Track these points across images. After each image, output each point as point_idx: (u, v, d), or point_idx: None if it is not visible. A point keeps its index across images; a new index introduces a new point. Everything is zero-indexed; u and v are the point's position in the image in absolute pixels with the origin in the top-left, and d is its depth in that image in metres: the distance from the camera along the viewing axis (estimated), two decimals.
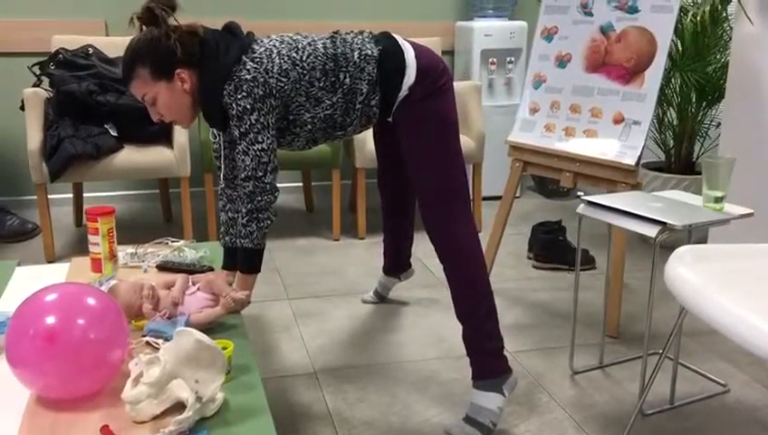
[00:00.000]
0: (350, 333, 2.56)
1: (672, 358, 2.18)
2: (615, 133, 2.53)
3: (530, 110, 2.84)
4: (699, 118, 3.44)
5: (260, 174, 1.80)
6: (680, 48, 3.32)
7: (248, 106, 1.76)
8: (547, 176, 2.78)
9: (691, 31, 3.28)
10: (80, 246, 3.39)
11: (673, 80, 3.36)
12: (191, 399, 1.31)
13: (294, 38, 1.88)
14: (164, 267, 2.15)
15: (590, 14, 2.67)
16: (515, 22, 4.17)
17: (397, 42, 1.95)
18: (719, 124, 3.33)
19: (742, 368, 2.34)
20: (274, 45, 1.83)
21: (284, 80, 1.81)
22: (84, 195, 3.79)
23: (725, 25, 3.28)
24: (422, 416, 2.05)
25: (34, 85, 3.23)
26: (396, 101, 1.93)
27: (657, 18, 2.46)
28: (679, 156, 3.53)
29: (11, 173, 3.89)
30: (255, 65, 1.78)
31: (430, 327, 2.61)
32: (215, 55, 1.78)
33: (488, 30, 4.10)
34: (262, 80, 1.77)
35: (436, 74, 1.93)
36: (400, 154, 2.05)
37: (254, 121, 1.77)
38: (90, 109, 3.13)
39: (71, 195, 3.78)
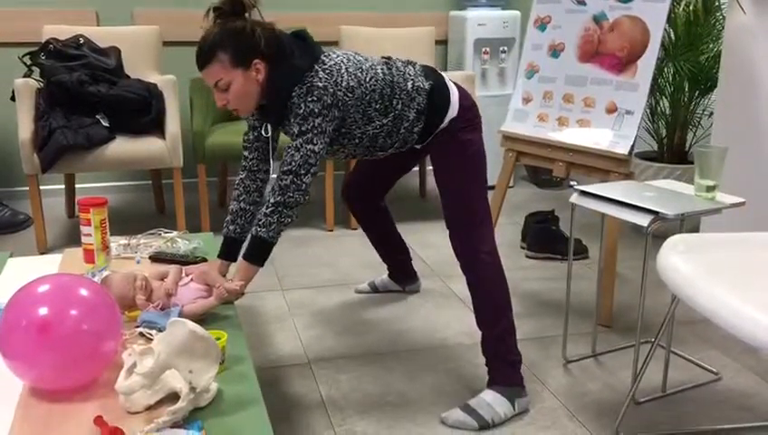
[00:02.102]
0: (344, 324, 2.57)
1: (664, 346, 2.19)
2: (608, 123, 2.53)
3: (523, 99, 2.84)
4: (692, 107, 3.45)
5: (302, 172, 1.87)
6: (673, 37, 3.32)
7: (315, 110, 1.85)
8: (540, 166, 2.79)
9: (684, 20, 3.28)
10: (72, 238, 3.38)
11: (666, 69, 3.37)
12: (185, 389, 1.31)
13: (358, 58, 1.98)
14: (157, 258, 2.15)
15: (584, 4, 2.67)
16: (509, 11, 4.17)
17: (443, 78, 2.09)
18: (712, 113, 3.34)
19: (733, 356, 2.36)
20: (342, 62, 1.93)
21: (350, 95, 1.91)
22: (76, 186, 3.77)
23: (718, 15, 3.28)
24: (416, 405, 2.06)
25: (25, 75, 3.21)
26: (435, 131, 2.06)
27: (650, 7, 2.46)
28: (672, 145, 3.54)
29: (2, 164, 3.87)
30: (327, 76, 1.87)
31: (424, 317, 2.62)
32: (288, 57, 1.87)
33: (481, 19, 4.10)
34: (331, 90, 1.86)
35: (473, 112, 2.09)
36: (389, 172, 2.31)
37: (316, 124, 1.86)
38: (81, 99, 3.11)
39: (63, 186, 3.76)
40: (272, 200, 1.87)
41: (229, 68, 1.84)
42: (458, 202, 2.05)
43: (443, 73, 2.12)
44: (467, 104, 2.08)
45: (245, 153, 2.08)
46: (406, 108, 2.00)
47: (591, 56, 2.63)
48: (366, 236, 2.68)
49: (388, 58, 2.08)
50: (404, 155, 2.21)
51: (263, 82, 1.88)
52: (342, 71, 1.90)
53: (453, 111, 2.05)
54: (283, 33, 1.92)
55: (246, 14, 1.87)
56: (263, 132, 2.03)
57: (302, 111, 1.86)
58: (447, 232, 2.10)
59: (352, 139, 2.00)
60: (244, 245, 1.96)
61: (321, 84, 1.85)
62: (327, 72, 1.87)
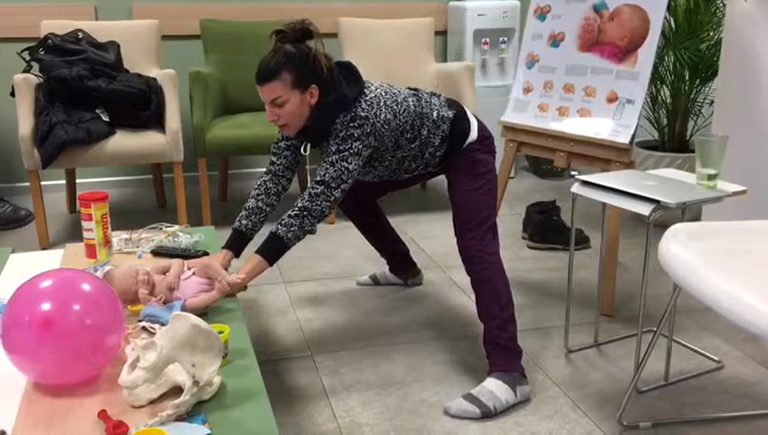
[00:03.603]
0: (346, 316, 2.57)
1: (666, 335, 2.20)
2: (609, 112, 2.53)
3: (523, 90, 2.83)
4: (692, 96, 3.44)
5: (333, 185, 1.98)
6: (673, 26, 3.31)
7: (356, 135, 1.99)
8: (541, 156, 2.78)
9: (684, 8, 3.27)
10: (74, 233, 3.38)
11: (666, 58, 3.36)
12: (188, 383, 1.32)
13: (393, 91, 2.13)
14: (159, 253, 2.15)
15: None
16: (508, 1, 4.15)
17: (464, 109, 2.25)
18: (712, 102, 3.33)
19: (735, 344, 2.36)
20: (381, 94, 2.07)
21: (386, 127, 2.05)
22: (77, 181, 3.77)
23: (718, 2, 3.27)
24: (419, 396, 2.06)
25: (24, 71, 3.21)
26: (455, 153, 2.21)
27: None
28: (673, 134, 3.53)
29: (3, 160, 3.87)
30: (368, 107, 2.02)
31: (426, 308, 2.62)
32: (338, 86, 2.02)
33: (481, 10, 4.08)
34: (372, 121, 2.01)
35: (489, 139, 2.25)
36: (392, 187, 2.49)
37: (354, 147, 1.99)
38: (81, 94, 3.11)
39: (63, 181, 3.76)
40: (299, 204, 1.98)
41: (289, 88, 1.96)
42: (470, 211, 2.14)
43: (463, 104, 2.29)
44: (485, 134, 2.23)
45: (273, 158, 2.19)
46: (432, 135, 2.15)
47: (592, 45, 2.62)
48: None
49: (416, 90, 2.22)
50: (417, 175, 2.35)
51: (313, 106, 2.00)
52: (381, 104, 2.04)
53: (472, 138, 2.20)
54: (335, 62, 2.07)
55: (312, 42, 2.00)
56: (302, 151, 2.13)
57: (342, 133, 1.99)
58: (449, 226, 2.14)
59: (383, 162, 2.14)
60: (249, 243, 2.03)
61: (363, 114, 1.99)
62: (368, 103, 2.02)
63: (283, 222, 1.95)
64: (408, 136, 2.12)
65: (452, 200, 2.20)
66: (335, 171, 1.98)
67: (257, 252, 1.94)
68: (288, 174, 2.19)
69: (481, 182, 2.16)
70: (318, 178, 1.99)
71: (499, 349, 2.05)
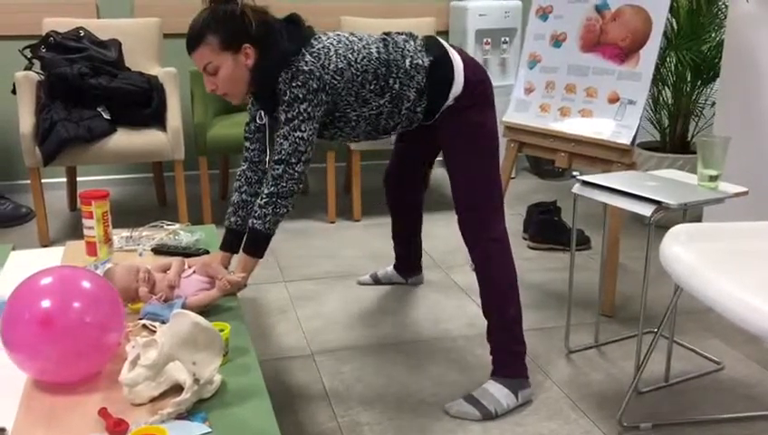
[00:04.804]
0: (347, 315, 2.57)
1: (667, 336, 2.19)
2: (610, 113, 2.52)
3: (525, 90, 2.83)
4: (694, 97, 3.44)
5: (293, 160, 1.84)
6: (675, 27, 3.30)
7: (300, 95, 1.82)
8: (542, 156, 2.78)
9: (686, 9, 3.27)
10: (74, 230, 3.38)
11: (668, 59, 3.35)
12: (189, 381, 1.32)
13: (350, 39, 1.94)
14: (159, 251, 2.15)
15: None
16: (510, 1, 4.15)
17: (447, 52, 2.00)
18: (714, 103, 3.32)
19: (736, 346, 2.36)
20: (332, 44, 1.89)
21: (338, 78, 1.86)
22: (78, 179, 3.77)
23: (720, 4, 3.27)
24: (419, 396, 2.06)
25: (26, 68, 3.20)
26: (441, 109, 1.99)
27: None
28: (674, 135, 3.53)
29: (3, 157, 3.87)
30: (313, 59, 1.83)
31: (427, 308, 2.62)
32: (277, 41, 1.84)
33: (483, 10, 4.08)
34: (318, 74, 1.83)
35: (483, 86, 2.00)
36: (418, 154, 2.17)
37: (302, 110, 1.82)
38: (82, 92, 3.10)
39: (64, 179, 3.76)
40: (266, 191, 1.85)
41: (218, 51, 1.82)
42: (468, 185, 2.00)
43: (448, 46, 2.03)
44: (475, 79, 1.99)
45: (247, 144, 2.05)
46: (405, 87, 1.94)
47: (593, 46, 2.62)
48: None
49: (387, 34, 2.02)
50: (421, 135, 2.15)
51: (252, 68, 1.86)
52: (331, 53, 1.86)
53: (457, 87, 1.97)
54: (275, 18, 1.90)
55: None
56: (257, 120, 2.01)
57: (287, 97, 1.83)
58: (450, 226, 2.09)
59: (348, 122, 1.96)
60: (244, 237, 1.93)
61: (306, 68, 1.81)
62: (314, 55, 1.84)
63: (256, 214, 1.85)
64: (373, 88, 1.91)
65: (449, 172, 2.04)
66: (290, 145, 1.83)
67: (243, 250, 1.88)
68: (265, 158, 2.03)
69: (479, 148, 1.98)
70: (276, 157, 1.85)
71: (502, 352, 2.02)
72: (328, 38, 1.91)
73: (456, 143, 2.01)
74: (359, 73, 1.89)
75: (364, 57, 1.91)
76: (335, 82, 1.86)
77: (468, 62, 2.01)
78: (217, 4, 1.83)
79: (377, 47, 1.94)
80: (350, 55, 1.89)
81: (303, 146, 1.84)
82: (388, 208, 2.64)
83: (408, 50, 1.96)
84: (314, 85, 1.82)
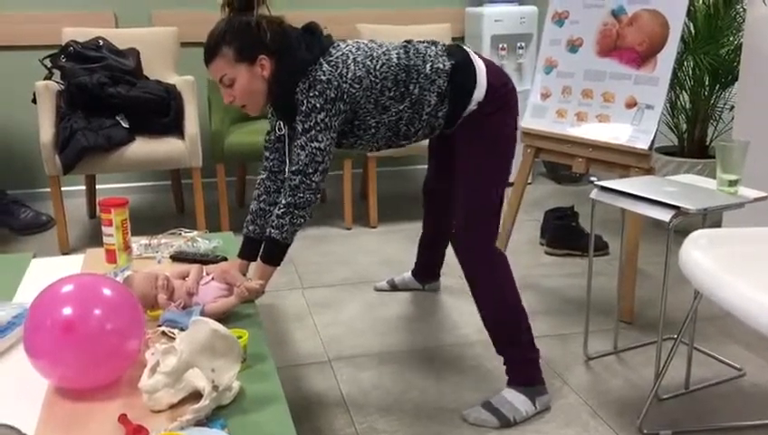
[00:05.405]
0: (364, 322, 2.57)
1: (687, 343, 2.17)
2: (628, 118, 2.51)
3: (541, 95, 2.82)
4: (712, 101, 3.41)
5: (310, 171, 1.82)
6: (693, 31, 3.28)
7: (318, 105, 1.80)
8: (559, 162, 2.77)
9: (704, 13, 3.25)
10: (94, 238, 3.41)
11: (686, 63, 3.33)
12: (207, 387, 1.32)
13: (370, 46, 1.92)
14: (178, 258, 2.16)
15: None
16: (526, 7, 4.15)
17: (469, 56, 1.97)
18: (732, 107, 3.30)
19: (757, 352, 2.33)
20: (350, 51, 1.88)
21: (357, 86, 1.85)
22: (97, 186, 3.81)
23: (738, 7, 3.24)
24: (437, 403, 2.05)
25: (46, 78, 3.24)
26: (463, 114, 1.96)
27: (670, 1, 2.44)
28: (692, 140, 3.50)
29: (24, 166, 3.91)
30: (331, 68, 1.82)
31: (444, 314, 2.62)
32: (294, 51, 1.83)
33: (498, 15, 4.08)
34: (335, 83, 1.81)
35: (505, 91, 1.97)
36: (450, 167, 2.09)
37: (319, 120, 1.81)
38: (101, 101, 3.14)
39: (84, 187, 3.80)
40: (283, 201, 1.85)
41: (233, 63, 1.82)
42: (474, 193, 1.97)
43: (471, 52, 2.00)
44: (497, 84, 1.96)
45: (266, 154, 2.05)
46: (425, 92, 1.91)
47: (610, 51, 2.61)
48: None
49: (409, 41, 2.00)
50: (447, 140, 2.07)
51: (269, 79, 1.85)
52: (349, 61, 1.85)
53: (480, 91, 1.94)
54: (292, 27, 1.89)
55: (261, 8, 1.85)
56: (276, 130, 2.01)
57: (304, 106, 1.81)
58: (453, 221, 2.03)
59: (368, 129, 1.94)
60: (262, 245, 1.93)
61: (324, 78, 1.80)
62: (332, 64, 1.83)
63: (273, 223, 1.85)
64: (393, 94, 1.89)
65: (458, 175, 2.00)
66: (306, 155, 1.81)
67: (261, 259, 1.89)
68: (284, 168, 2.01)
69: (492, 157, 1.95)
70: (293, 168, 1.83)
71: (515, 363, 2.01)
72: (347, 46, 1.90)
73: (473, 145, 1.98)
74: (378, 81, 1.88)
75: (383, 64, 1.89)
76: (353, 91, 1.85)
77: (491, 67, 1.99)
78: (233, 15, 1.84)
79: (397, 53, 1.92)
80: (368, 63, 1.87)
81: (320, 156, 1.83)
82: (423, 214, 2.64)
83: (430, 55, 1.94)
84: (332, 94, 1.81)
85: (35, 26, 3.76)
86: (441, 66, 1.92)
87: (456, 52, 1.98)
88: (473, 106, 1.95)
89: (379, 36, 3.89)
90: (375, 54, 1.89)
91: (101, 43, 3.37)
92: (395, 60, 1.90)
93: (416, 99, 1.91)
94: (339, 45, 1.90)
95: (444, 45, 2.00)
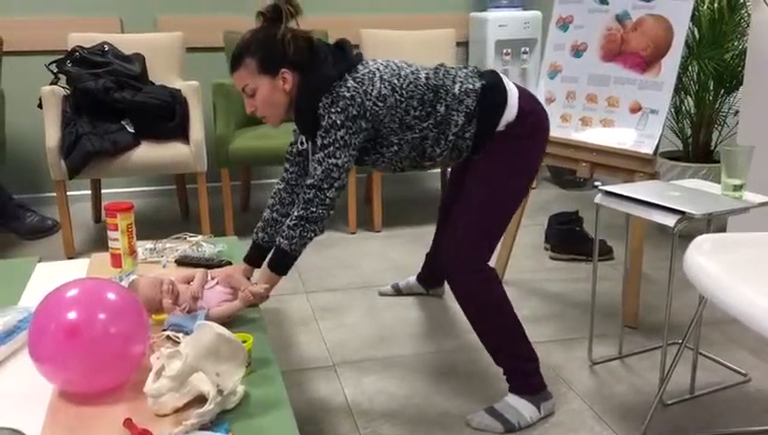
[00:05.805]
0: (369, 326, 2.57)
1: (692, 348, 2.17)
2: (632, 122, 2.51)
3: (545, 100, 2.82)
4: (717, 106, 3.41)
5: (325, 186, 1.82)
6: (697, 35, 3.29)
7: (339, 121, 1.79)
8: (564, 166, 2.77)
9: (708, 18, 3.25)
10: (99, 242, 3.42)
11: (690, 68, 3.33)
12: (212, 392, 1.32)
13: (399, 65, 1.91)
14: (183, 262, 2.17)
15: (606, 3, 2.65)
16: (530, 12, 4.15)
17: (500, 78, 1.95)
18: (737, 112, 3.30)
19: (762, 357, 2.33)
20: (378, 69, 1.86)
21: (380, 104, 1.83)
22: (102, 191, 3.82)
23: (743, 12, 3.24)
24: (442, 408, 2.05)
25: (52, 83, 3.26)
26: (491, 134, 1.91)
27: (674, 6, 2.44)
28: (697, 144, 3.50)
29: (30, 170, 3.93)
30: (356, 85, 1.81)
31: (449, 319, 2.61)
32: (319, 66, 1.83)
33: (502, 20, 4.09)
34: (359, 100, 1.80)
35: (536, 117, 1.94)
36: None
37: (338, 137, 1.80)
38: (107, 106, 3.15)
39: (89, 191, 3.81)
40: (295, 213, 1.85)
41: (256, 74, 1.83)
42: (482, 212, 1.92)
43: (504, 76, 1.98)
44: (528, 109, 1.92)
45: (287, 165, 2.06)
46: (452, 111, 1.88)
47: (614, 55, 2.61)
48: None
49: (441, 64, 1.98)
50: (468, 168, 1.99)
51: (291, 92, 1.85)
52: (375, 78, 1.83)
53: (510, 113, 1.90)
54: (321, 42, 1.89)
55: (291, 22, 1.84)
56: (298, 144, 2.01)
57: (325, 122, 1.80)
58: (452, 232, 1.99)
59: (390, 146, 1.91)
60: (268, 254, 1.94)
61: (347, 94, 1.79)
62: (358, 80, 1.82)
63: (284, 234, 1.85)
64: (418, 114, 1.86)
65: (468, 191, 1.94)
66: (323, 171, 1.81)
67: (268, 266, 1.89)
68: (303, 181, 2.03)
69: (513, 180, 1.91)
70: (309, 181, 1.83)
71: (515, 373, 1.99)
72: (375, 63, 1.89)
73: (495, 162, 1.92)
74: (403, 99, 1.86)
75: (411, 82, 1.87)
76: (377, 109, 1.83)
77: (523, 92, 1.97)
78: (262, 26, 1.84)
79: (426, 73, 1.91)
80: (395, 81, 1.85)
81: (337, 172, 1.82)
82: (435, 230, 2.63)
83: (460, 76, 1.92)
84: (353, 112, 1.79)
85: (41, 32, 3.78)
86: (471, 86, 1.90)
87: (488, 74, 1.96)
88: (501, 127, 1.91)
89: (384, 41, 3.92)
90: (403, 73, 1.88)
91: (107, 48, 3.39)
92: (423, 79, 1.89)
93: (441, 118, 1.88)
94: (367, 63, 1.89)
95: (476, 68, 1.98)
